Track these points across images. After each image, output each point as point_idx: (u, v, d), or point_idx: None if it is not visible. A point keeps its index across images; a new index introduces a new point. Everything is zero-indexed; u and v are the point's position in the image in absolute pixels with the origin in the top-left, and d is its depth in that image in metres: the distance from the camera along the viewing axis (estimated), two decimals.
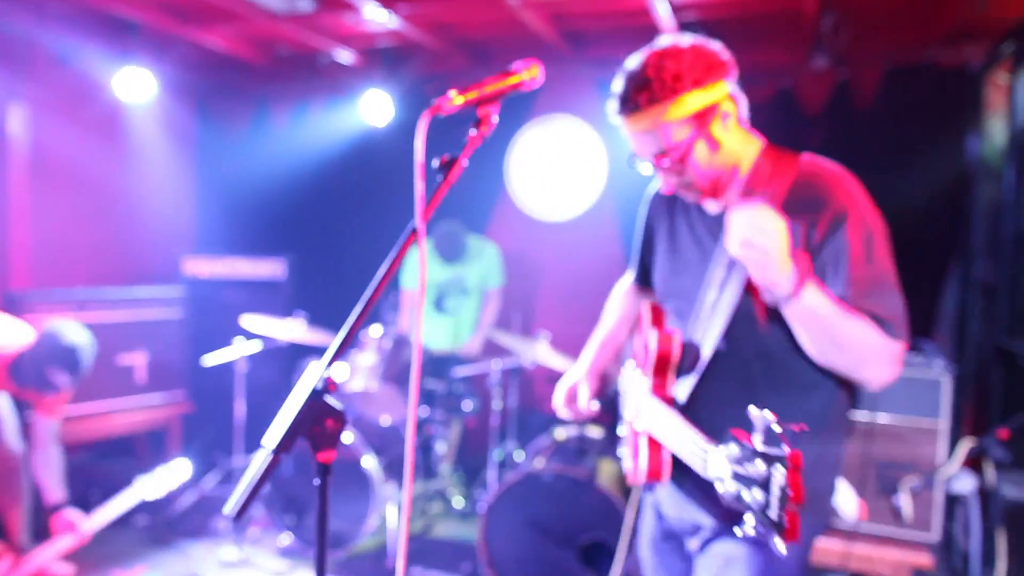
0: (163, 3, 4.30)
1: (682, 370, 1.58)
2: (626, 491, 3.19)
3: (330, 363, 1.05)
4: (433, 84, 5.23)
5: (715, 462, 1.26)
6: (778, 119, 4.14)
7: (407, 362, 3.79)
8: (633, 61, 1.47)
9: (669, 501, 1.65)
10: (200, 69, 5.44)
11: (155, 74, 4.65)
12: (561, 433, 3.57)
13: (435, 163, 1.21)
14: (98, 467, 4.76)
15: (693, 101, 1.40)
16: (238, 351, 3.91)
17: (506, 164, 5.04)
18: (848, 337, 1.35)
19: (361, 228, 5.33)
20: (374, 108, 4.93)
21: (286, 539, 3.64)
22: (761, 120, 1.64)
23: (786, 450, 1.11)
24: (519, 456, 4.25)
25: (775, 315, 1.42)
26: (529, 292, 5.06)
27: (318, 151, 5.38)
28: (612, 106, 1.49)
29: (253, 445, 4.16)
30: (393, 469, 3.82)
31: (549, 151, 4.97)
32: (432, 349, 4.37)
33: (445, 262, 4.44)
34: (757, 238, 1.26)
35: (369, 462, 3.47)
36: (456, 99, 1.20)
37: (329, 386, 1.02)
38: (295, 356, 4.39)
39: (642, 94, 1.42)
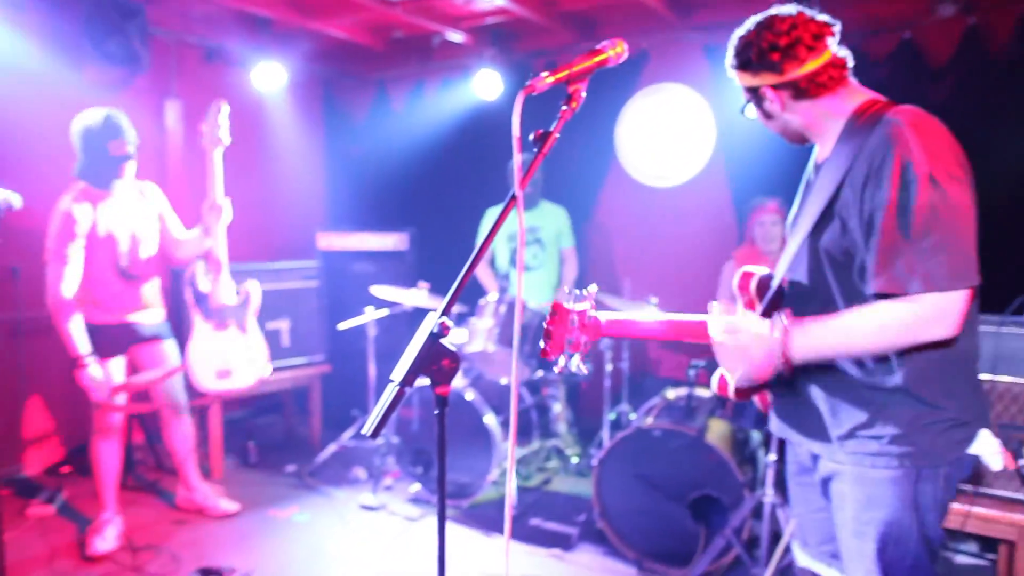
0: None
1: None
2: (734, 448, 3.27)
3: (444, 311, 1.24)
4: (541, 58, 5.36)
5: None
6: (900, 72, 3.95)
7: (522, 326, 3.99)
8: (743, 26, 1.65)
9: (793, 430, 1.73)
10: (324, 58, 5.84)
11: (285, 65, 5.06)
12: (671, 393, 3.67)
13: (530, 137, 1.35)
14: (252, 423, 5.34)
15: (782, 69, 1.57)
16: (369, 317, 4.27)
17: (616, 133, 5.10)
18: (866, 342, 1.47)
19: (476, 198, 5.56)
20: (485, 85, 5.13)
21: (416, 487, 3.97)
22: (881, 75, 1.70)
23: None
24: (632, 416, 4.38)
25: (843, 255, 1.53)
26: (639, 258, 5.13)
27: (434, 128, 5.67)
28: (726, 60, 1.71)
29: None
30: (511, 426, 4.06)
31: (658, 118, 4.98)
32: (540, 311, 4.54)
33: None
34: (731, 340, 1.56)
35: (490, 419, 3.72)
36: (547, 79, 1.34)
37: (444, 330, 1.21)
38: (419, 321, 4.71)
39: (738, 58, 1.64)
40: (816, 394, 1.63)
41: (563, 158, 5.13)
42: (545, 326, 1.71)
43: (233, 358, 3.62)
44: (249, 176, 5.54)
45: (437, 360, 1.22)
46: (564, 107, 1.38)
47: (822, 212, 1.55)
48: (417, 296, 4.12)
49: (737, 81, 1.68)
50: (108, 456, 3.48)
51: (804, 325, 1.51)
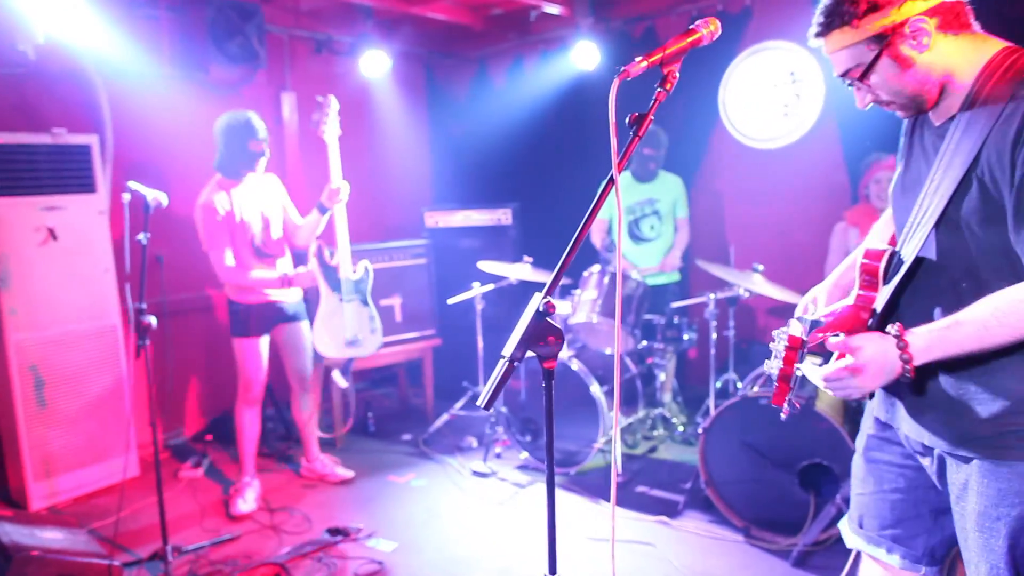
0: None
1: (887, 281, 1.59)
2: (846, 416, 3.20)
3: (549, 291, 1.32)
4: (640, 23, 5.29)
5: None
6: None
7: (625, 296, 4.03)
8: None
9: (902, 415, 1.61)
10: (425, 41, 6.00)
11: (388, 51, 5.24)
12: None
13: (626, 120, 1.40)
14: (370, 394, 5.67)
15: (871, 24, 1.44)
16: (476, 292, 4.43)
17: (720, 95, 4.99)
18: (1001, 334, 1.35)
19: (577, 170, 5.62)
20: (584, 55, 5.13)
21: (524, 455, 4.13)
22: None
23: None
24: (739, 385, 4.34)
25: (985, 227, 1.39)
26: (745, 224, 5.03)
27: (534, 102, 5.72)
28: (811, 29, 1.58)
29: (492, 372, 4.69)
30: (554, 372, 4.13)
31: (763, 78, 4.83)
32: (647, 281, 4.56)
33: (638, 181, 4.59)
34: (843, 391, 1.49)
35: (595, 389, 3.81)
36: (641, 63, 1.38)
37: (549, 309, 1.29)
38: (524, 294, 4.83)
39: (824, 19, 1.50)
40: (943, 381, 1.51)
41: (665, 124, 5.07)
42: (781, 367, 1.63)
43: (358, 328, 3.92)
44: (359, 161, 5.81)
45: (543, 337, 1.30)
46: (659, 89, 1.41)
47: (960, 179, 1.40)
48: (522, 270, 4.24)
49: (844, 40, 1.47)
50: (250, 423, 3.85)
51: (926, 335, 1.41)
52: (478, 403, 1.30)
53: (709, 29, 1.44)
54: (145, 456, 4.32)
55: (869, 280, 1.63)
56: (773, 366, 1.68)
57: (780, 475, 3.15)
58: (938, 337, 1.41)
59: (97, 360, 3.97)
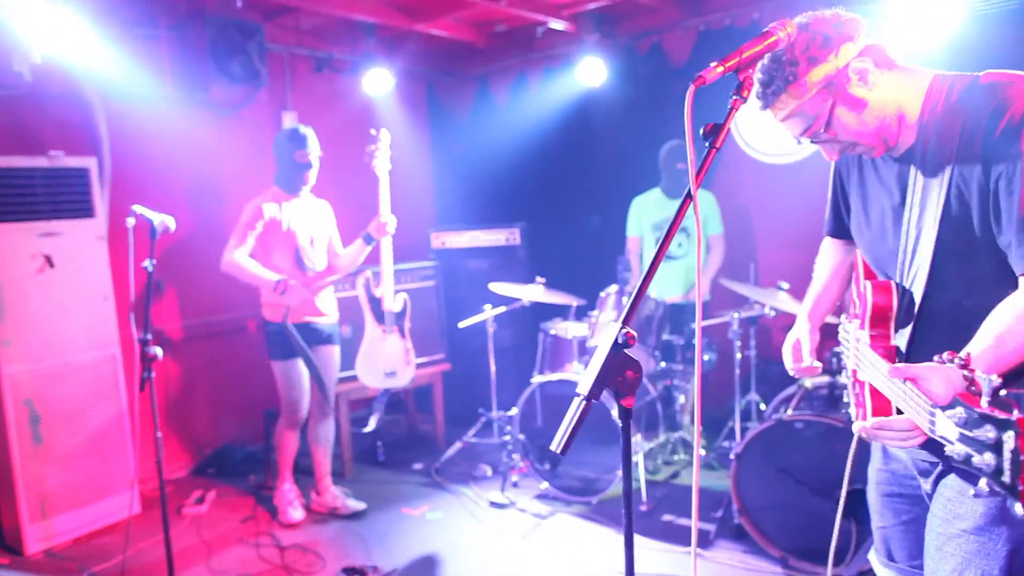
0: (394, 3, 4.74)
1: (899, 320, 1.55)
2: None
3: (626, 320, 1.19)
4: (646, 39, 5.22)
5: (942, 424, 1.19)
6: None
7: (645, 317, 3.91)
8: (765, 58, 1.45)
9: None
10: (427, 58, 5.90)
11: (390, 69, 5.14)
12: (809, 381, 3.49)
13: (701, 131, 1.28)
14: (378, 421, 5.47)
15: (816, 76, 1.41)
16: (487, 315, 4.29)
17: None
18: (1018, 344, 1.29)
19: (584, 188, 5.51)
20: (589, 72, 5.04)
21: (544, 485, 3.96)
22: None
23: (1016, 415, 1.03)
24: (763, 407, 4.21)
25: (981, 245, 1.37)
26: (764, 241, 4.92)
27: (538, 120, 5.62)
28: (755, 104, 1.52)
29: (505, 397, 4.55)
30: (639, 420, 4.00)
31: None
32: (666, 300, 4.43)
33: (668, 198, 4.49)
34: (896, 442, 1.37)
35: (617, 413, 3.66)
36: (717, 68, 1.26)
37: (629, 340, 1.16)
38: (536, 316, 4.71)
39: (768, 88, 1.45)
40: None
41: (669, 139, 4.98)
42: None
43: (397, 359, 3.98)
44: (361, 180, 5.67)
45: (621, 371, 1.17)
46: (735, 97, 1.30)
47: (944, 205, 1.41)
48: (534, 291, 4.11)
49: (795, 99, 1.43)
50: (291, 443, 3.86)
51: (983, 360, 1.30)
52: (552, 447, 1.16)
53: (787, 31, 1.33)
54: (146, 492, 4.13)
55: (881, 317, 1.58)
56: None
57: (819, 502, 3.01)
58: (994, 357, 1.31)
59: (96, 393, 3.79)
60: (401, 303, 4.02)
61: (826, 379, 3.38)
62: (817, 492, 3.02)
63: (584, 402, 1.16)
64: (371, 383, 3.99)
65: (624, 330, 1.17)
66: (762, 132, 4.82)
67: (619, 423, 1.21)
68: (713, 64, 1.27)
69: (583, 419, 1.15)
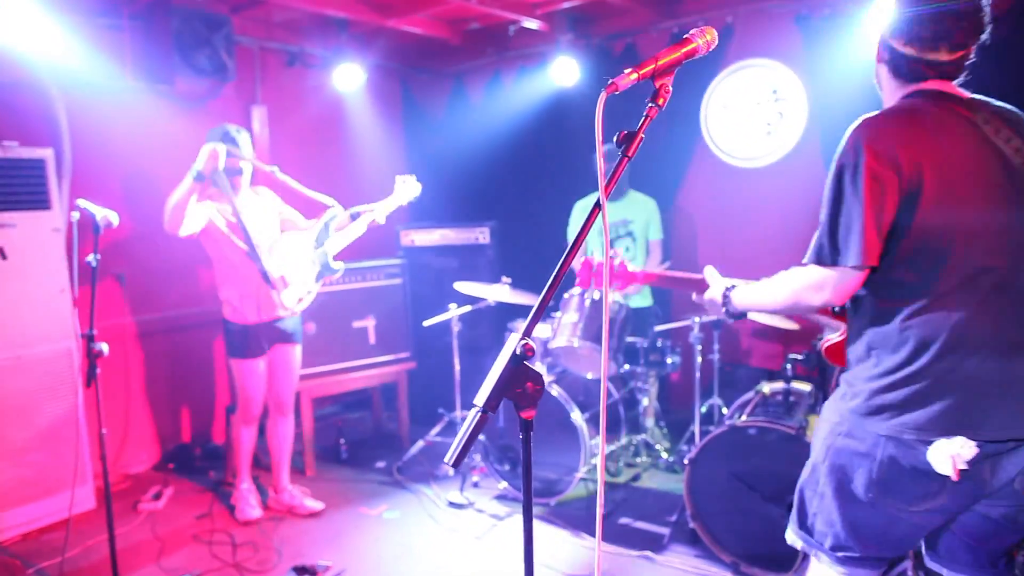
0: None
1: None
2: None
3: (527, 332, 1.17)
4: (620, 40, 5.20)
5: None
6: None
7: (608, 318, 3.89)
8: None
9: None
10: (400, 55, 5.86)
11: (363, 65, 5.09)
12: (767, 387, 3.49)
13: (614, 138, 1.27)
14: (342, 417, 5.45)
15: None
16: (452, 314, 4.27)
17: (701, 113, 4.90)
18: (772, 301, 1.82)
19: (556, 188, 5.49)
20: (563, 71, 5.02)
21: (503, 485, 3.95)
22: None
23: None
24: (725, 411, 4.22)
25: None
26: (728, 245, 4.92)
27: (512, 119, 5.60)
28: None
29: (470, 398, 4.52)
30: (598, 421, 3.99)
31: (745, 96, 4.75)
32: (630, 305, 4.43)
33: (609, 200, 4.47)
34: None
35: (576, 416, 3.65)
36: (631, 75, 1.24)
37: (527, 352, 1.14)
38: (502, 316, 4.69)
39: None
40: None
41: (645, 143, 4.96)
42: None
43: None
44: (332, 175, 5.64)
45: (521, 383, 1.15)
46: (651, 104, 1.28)
47: None
48: (500, 291, 4.08)
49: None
50: (247, 439, 3.82)
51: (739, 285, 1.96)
52: (445, 460, 1.14)
53: (705, 39, 1.31)
54: (100, 487, 4.07)
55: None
56: None
57: (771, 508, 3.01)
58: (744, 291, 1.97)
59: (50, 387, 3.73)
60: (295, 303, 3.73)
61: (781, 385, 3.39)
62: (769, 498, 3.02)
63: (480, 413, 1.14)
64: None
65: (523, 341, 1.15)
66: (732, 135, 4.82)
67: (520, 435, 1.19)
68: (627, 71, 1.25)
69: (479, 430, 1.13)
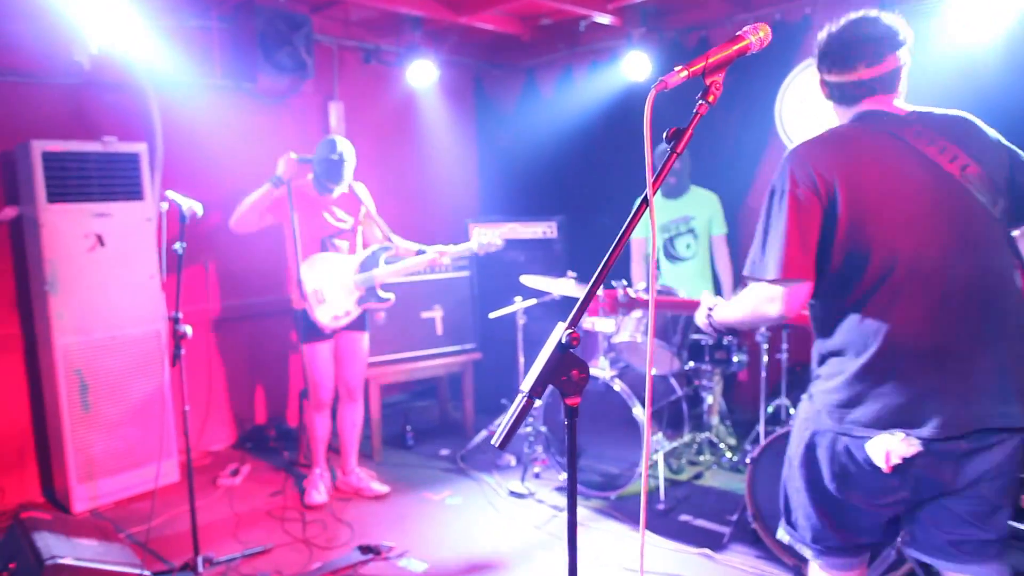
0: None
1: None
2: None
3: (573, 322, 1.21)
4: (693, 33, 5.13)
5: None
6: None
7: (671, 317, 3.87)
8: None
9: None
10: (473, 51, 5.95)
11: (436, 61, 5.20)
12: None
13: (664, 135, 1.29)
14: (409, 406, 5.61)
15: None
16: (518, 307, 4.33)
17: (776, 107, 4.79)
18: (739, 315, 1.94)
19: (624, 184, 5.46)
20: (634, 66, 5.00)
21: (563, 476, 3.99)
22: None
23: None
24: (792, 411, 4.13)
25: None
26: None
27: (583, 114, 5.60)
28: None
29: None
30: (661, 417, 3.98)
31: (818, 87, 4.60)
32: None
33: (667, 198, 4.43)
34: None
35: (638, 411, 3.66)
36: (681, 73, 1.26)
37: (573, 341, 1.18)
38: (567, 310, 4.71)
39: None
40: None
41: (714, 137, 4.89)
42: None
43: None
44: (406, 171, 5.80)
45: (566, 371, 1.20)
46: (701, 101, 1.29)
47: None
48: (565, 285, 4.11)
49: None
50: (320, 425, 3.98)
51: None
52: (492, 442, 1.19)
53: (758, 36, 1.31)
54: (184, 461, 4.33)
55: None
56: None
57: None
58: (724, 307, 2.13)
59: (140, 365, 4.00)
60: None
61: None
62: None
63: (525, 399, 1.18)
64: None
65: (569, 331, 1.19)
66: (810, 130, 4.69)
67: (565, 421, 1.23)
68: (678, 68, 1.27)
69: (524, 415, 1.18)
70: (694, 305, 2.23)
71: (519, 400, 1.19)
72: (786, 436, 3.05)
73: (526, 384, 1.19)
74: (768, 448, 3.11)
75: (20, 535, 2.91)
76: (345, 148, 3.77)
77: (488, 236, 4.05)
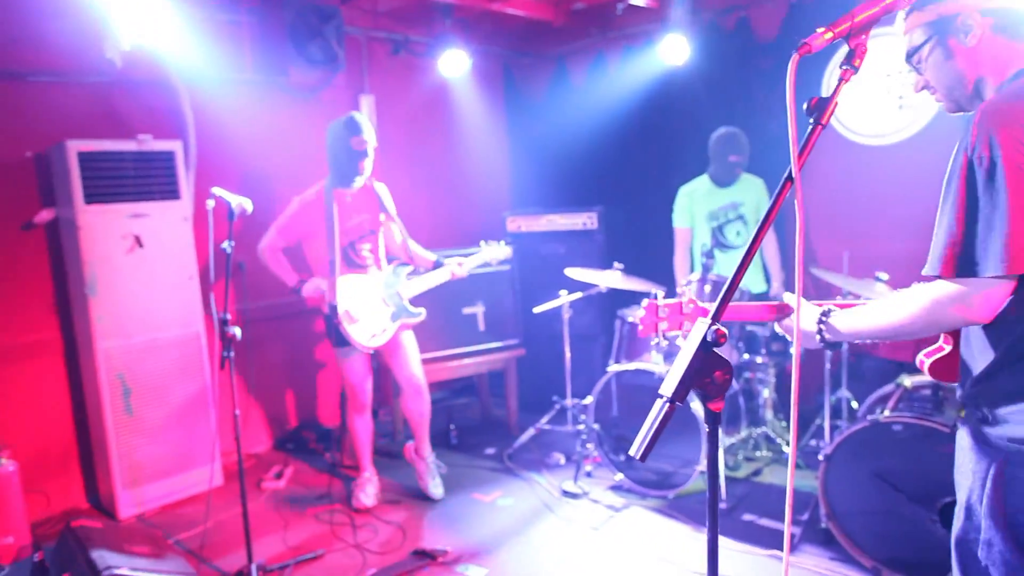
0: None
1: None
2: None
3: (716, 316, 1.08)
4: (731, 15, 4.96)
5: None
6: None
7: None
8: None
9: None
10: (503, 38, 5.81)
11: (467, 50, 5.06)
12: (909, 380, 3.25)
13: (804, 106, 1.15)
14: (451, 404, 5.49)
15: (932, 9, 1.46)
16: (563, 300, 4.20)
17: (824, 86, 4.61)
18: (894, 323, 1.49)
19: (663, 172, 5.32)
20: (671, 50, 4.84)
21: (619, 476, 3.85)
22: None
23: None
24: (854, 404, 3.98)
25: None
26: (858, 227, 4.61)
27: (617, 101, 5.44)
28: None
29: (579, 385, 4.45)
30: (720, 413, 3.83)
31: (874, 67, 4.43)
32: (751, 290, 4.24)
33: (717, 186, 4.28)
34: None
35: (697, 406, 3.52)
36: (825, 35, 1.13)
37: (719, 338, 1.05)
38: (612, 303, 4.58)
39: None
40: None
41: (757, 119, 4.72)
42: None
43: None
44: (437, 163, 5.67)
45: (710, 372, 1.07)
46: (845, 67, 1.16)
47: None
48: (612, 277, 3.98)
49: (915, 22, 1.51)
50: (362, 428, 3.89)
51: None
52: (631, 452, 1.06)
53: None
54: (228, 464, 4.25)
55: None
56: None
57: (917, 511, 2.79)
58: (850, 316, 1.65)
59: (182, 368, 3.92)
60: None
61: (928, 379, 3.14)
62: (916, 500, 2.80)
63: (667, 404, 1.05)
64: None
65: (714, 327, 1.06)
66: (859, 111, 4.52)
67: (704, 427, 1.10)
68: (820, 30, 1.14)
69: (666, 423, 1.05)
70: (778, 309, 1.82)
71: (660, 405, 1.06)
72: (862, 432, 2.91)
73: (666, 388, 1.06)
74: (843, 445, 2.96)
75: (73, 544, 2.83)
76: (366, 127, 3.61)
77: (500, 250, 4.14)
